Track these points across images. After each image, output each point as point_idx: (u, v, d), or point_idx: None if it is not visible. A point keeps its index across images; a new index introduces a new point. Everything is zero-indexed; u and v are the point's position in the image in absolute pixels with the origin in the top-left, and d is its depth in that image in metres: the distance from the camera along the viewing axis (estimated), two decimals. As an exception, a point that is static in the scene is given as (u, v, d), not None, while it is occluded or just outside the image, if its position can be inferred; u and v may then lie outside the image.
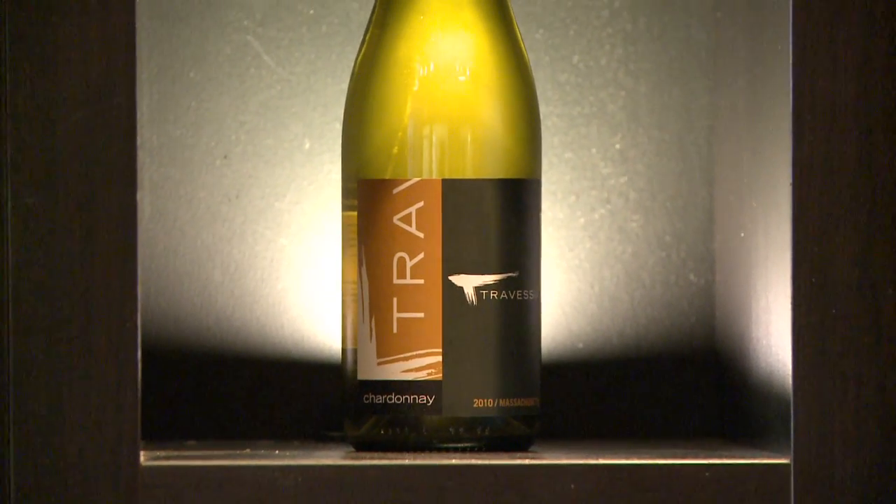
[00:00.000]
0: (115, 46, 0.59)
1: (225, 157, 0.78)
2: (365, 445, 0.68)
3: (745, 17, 0.77)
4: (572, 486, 0.61)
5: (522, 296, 0.67)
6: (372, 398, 0.67)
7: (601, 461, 0.64)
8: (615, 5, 0.78)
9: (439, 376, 0.66)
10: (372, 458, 0.65)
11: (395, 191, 0.65)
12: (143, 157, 0.65)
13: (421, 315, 0.66)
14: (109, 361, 0.62)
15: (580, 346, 0.82)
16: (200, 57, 0.77)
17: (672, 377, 0.82)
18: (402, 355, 0.67)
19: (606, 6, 0.78)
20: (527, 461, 0.65)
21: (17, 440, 0.62)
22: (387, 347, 0.67)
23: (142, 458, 0.60)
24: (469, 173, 0.66)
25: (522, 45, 0.69)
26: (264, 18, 0.77)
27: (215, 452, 0.70)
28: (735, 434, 0.79)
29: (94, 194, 0.59)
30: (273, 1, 0.78)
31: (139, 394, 0.62)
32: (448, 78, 0.67)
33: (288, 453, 0.71)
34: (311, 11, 0.77)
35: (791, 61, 0.63)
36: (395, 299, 0.66)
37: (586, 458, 0.66)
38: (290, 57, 0.78)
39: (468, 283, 0.66)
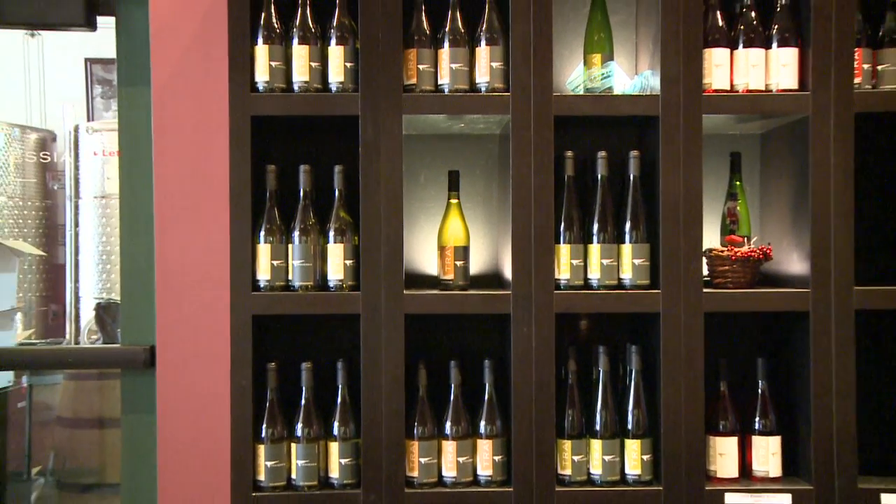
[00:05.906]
0: (395, 211, 2.71)
1: (407, 247, 2.96)
2: (443, 290, 2.85)
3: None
4: (476, 302, 2.69)
5: (466, 266, 2.83)
6: (443, 283, 2.82)
7: (481, 292, 2.67)
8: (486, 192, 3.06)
9: (452, 279, 2.81)
10: (444, 292, 2.74)
11: (444, 248, 2.82)
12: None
13: (451, 268, 2.82)
14: (392, 272, 2.63)
15: (477, 274, 2.99)
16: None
17: (495, 281, 2.99)
18: (447, 275, 2.81)
19: (483, 201, 3.07)
20: (467, 292, 2.76)
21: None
22: (445, 274, 2.84)
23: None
24: (459, 244, 2.78)
25: (465, 219, 2.86)
26: (421, 200, 2.97)
27: (412, 289, 2.80)
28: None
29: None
30: (424, 195, 2.97)
31: (403, 276, 2.70)
32: (453, 230, 2.78)
33: (425, 290, 2.74)
34: (434, 211, 2.95)
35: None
36: (445, 266, 2.83)
37: (480, 291, 2.74)
38: (426, 218, 2.95)
39: (459, 264, 2.79)
